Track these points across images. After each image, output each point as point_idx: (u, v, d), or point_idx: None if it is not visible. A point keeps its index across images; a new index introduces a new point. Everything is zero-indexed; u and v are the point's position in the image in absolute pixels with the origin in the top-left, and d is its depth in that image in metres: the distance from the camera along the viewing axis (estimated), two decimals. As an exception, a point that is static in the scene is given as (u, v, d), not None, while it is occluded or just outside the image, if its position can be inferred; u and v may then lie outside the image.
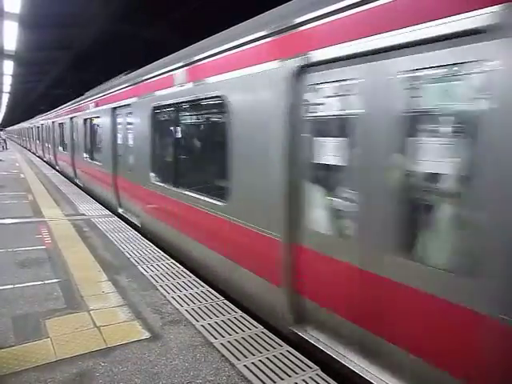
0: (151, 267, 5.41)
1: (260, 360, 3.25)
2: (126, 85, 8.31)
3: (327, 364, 3.29)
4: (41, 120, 27.45)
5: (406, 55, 2.62)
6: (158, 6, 11.10)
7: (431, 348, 2.59)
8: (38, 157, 28.36)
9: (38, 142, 30.36)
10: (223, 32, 4.99)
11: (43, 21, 11.94)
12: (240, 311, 4.15)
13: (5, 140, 38.76)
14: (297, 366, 3.18)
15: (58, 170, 19.09)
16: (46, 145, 23.90)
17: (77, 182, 14.46)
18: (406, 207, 2.72)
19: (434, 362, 2.57)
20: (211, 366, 3.17)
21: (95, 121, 11.73)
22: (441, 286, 2.50)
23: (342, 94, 3.18)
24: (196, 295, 4.52)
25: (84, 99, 13.08)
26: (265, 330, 3.75)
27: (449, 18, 2.31)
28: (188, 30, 11.06)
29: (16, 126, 63.62)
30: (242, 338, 3.60)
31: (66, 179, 15.61)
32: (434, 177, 2.59)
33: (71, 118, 14.81)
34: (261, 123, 3.93)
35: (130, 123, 8.31)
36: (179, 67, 5.68)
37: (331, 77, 3.22)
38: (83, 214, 8.81)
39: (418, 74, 2.61)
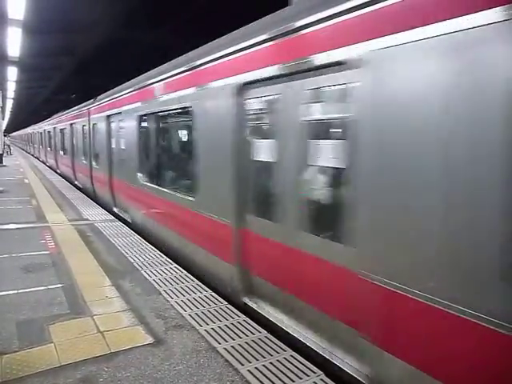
0: (154, 272, 5.41)
1: (263, 365, 3.23)
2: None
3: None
4: (61, 121, 18.75)
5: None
6: (159, 11, 11.17)
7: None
8: (60, 175, 19.09)
9: (61, 153, 19.19)
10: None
11: (47, 27, 12.04)
12: (243, 315, 4.14)
13: (9, 146, 39.02)
14: (300, 370, 3.16)
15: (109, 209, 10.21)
16: (82, 159, 13.75)
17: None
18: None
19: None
20: (215, 371, 3.16)
21: None
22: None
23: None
24: (199, 300, 4.51)
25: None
26: (268, 335, 3.73)
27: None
28: (190, 35, 11.12)
29: (21, 132, 63.32)
30: (246, 342, 3.59)
31: (70, 184, 15.61)
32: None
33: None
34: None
35: None
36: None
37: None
38: (87, 219, 8.84)
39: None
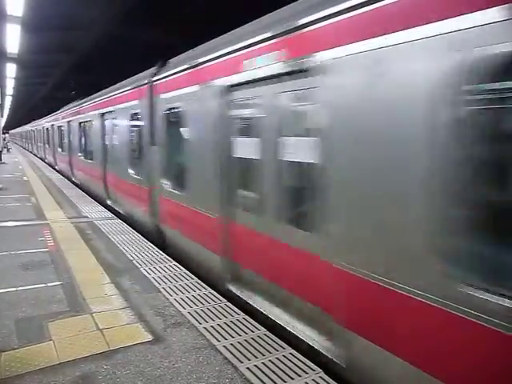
0: (154, 269, 5.42)
1: (263, 362, 3.24)
2: None
3: None
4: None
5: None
6: (158, 9, 11.14)
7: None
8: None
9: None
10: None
11: (45, 24, 11.99)
12: (243, 313, 4.15)
13: (7, 143, 38.96)
14: (300, 368, 3.17)
15: None
16: None
17: None
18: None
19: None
20: (214, 368, 3.16)
21: None
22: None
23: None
24: (198, 297, 4.52)
25: None
26: (267, 333, 3.74)
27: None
28: (188, 33, 11.10)
29: (19, 129, 62.70)
30: (245, 340, 3.59)
31: (69, 182, 15.60)
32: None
33: None
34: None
35: None
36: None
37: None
38: (86, 217, 8.83)
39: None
